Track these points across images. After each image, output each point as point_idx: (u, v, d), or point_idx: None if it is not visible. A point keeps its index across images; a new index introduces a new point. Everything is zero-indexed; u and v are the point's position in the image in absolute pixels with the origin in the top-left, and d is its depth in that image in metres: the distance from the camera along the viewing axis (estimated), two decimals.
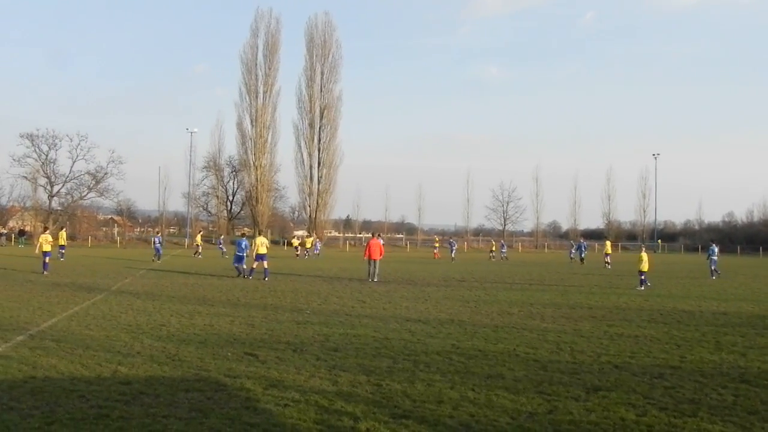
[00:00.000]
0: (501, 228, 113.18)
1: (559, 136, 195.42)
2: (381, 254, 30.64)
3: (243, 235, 36.41)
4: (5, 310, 16.86)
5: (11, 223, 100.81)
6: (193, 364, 10.50)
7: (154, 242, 49.87)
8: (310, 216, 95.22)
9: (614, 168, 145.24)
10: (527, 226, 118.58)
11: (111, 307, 17.87)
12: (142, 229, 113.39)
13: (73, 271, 32.50)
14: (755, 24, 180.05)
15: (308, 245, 60.70)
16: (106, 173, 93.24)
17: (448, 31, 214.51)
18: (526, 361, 11.11)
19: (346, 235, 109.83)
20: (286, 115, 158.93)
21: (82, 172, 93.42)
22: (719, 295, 24.73)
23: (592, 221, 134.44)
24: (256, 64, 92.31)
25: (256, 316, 16.64)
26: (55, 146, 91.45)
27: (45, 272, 30.55)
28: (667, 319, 17.28)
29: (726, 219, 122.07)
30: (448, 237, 64.48)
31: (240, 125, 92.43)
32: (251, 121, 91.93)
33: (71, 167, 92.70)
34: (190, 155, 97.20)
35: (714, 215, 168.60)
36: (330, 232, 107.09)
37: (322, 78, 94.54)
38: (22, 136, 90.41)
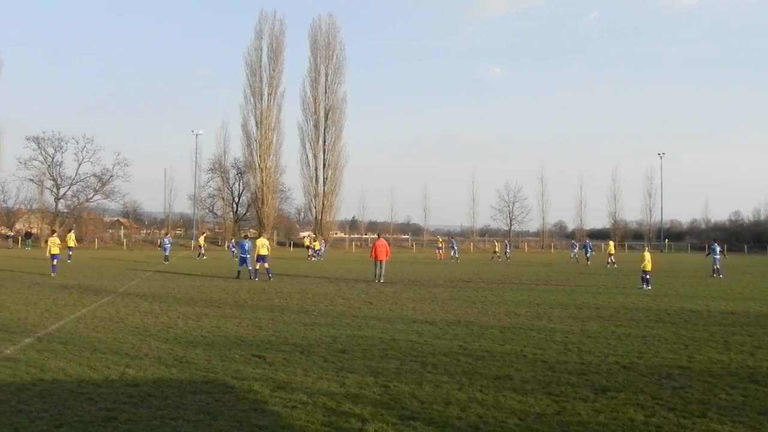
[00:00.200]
0: (507, 228, 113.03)
1: (564, 136, 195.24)
2: (387, 255, 30.64)
3: (245, 237, 36.55)
4: (13, 313, 16.91)
5: (18, 226, 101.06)
6: (200, 366, 10.52)
7: (163, 243, 50.02)
8: (315, 217, 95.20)
9: (620, 167, 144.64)
10: (533, 226, 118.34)
11: (118, 309, 17.91)
12: (149, 231, 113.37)
13: (80, 274, 32.57)
14: (759, 23, 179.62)
15: (317, 246, 60.80)
16: (112, 175, 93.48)
17: (452, 32, 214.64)
18: (534, 362, 11.09)
19: (352, 236, 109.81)
20: (291, 116, 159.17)
21: (88, 175, 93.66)
22: (727, 294, 24.67)
23: (598, 221, 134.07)
24: (260, 66, 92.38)
25: (263, 317, 16.65)
26: (61, 149, 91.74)
27: (53, 274, 30.78)
28: (675, 318, 17.24)
29: (733, 218, 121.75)
30: (450, 237, 64.33)
31: (245, 127, 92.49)
32: (256, 123, 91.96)
33: (77, 170, 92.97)
34: (196, 157, 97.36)
35: (721, 214, 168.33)
36: (336, 233, 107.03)
37: (326, 79, 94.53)
38: (28, 139, 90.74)
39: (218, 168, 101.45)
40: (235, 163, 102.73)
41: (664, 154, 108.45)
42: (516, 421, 7.60)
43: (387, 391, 8.93)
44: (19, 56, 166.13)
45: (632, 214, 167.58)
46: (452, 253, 56.15)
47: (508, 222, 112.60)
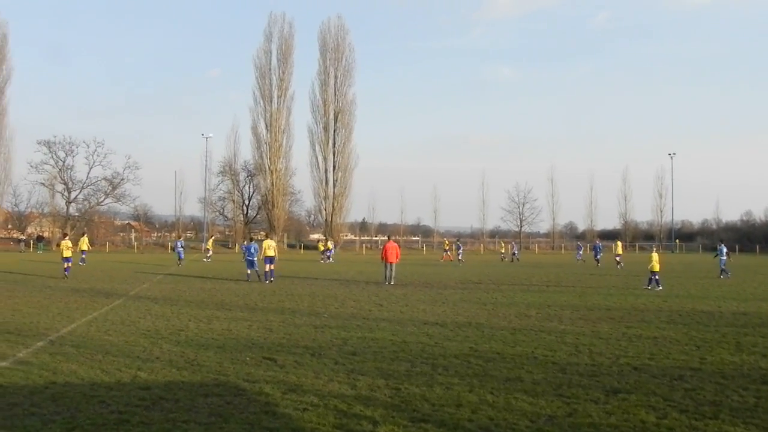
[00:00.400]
0: (517, 229, 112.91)
1: (574, 137, 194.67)
2: (397, 257, 30.65)
3: (251, 239, 36.89)
4: (25, 316, 16.99)
5: (29, 230, 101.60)
6: (212, 368, 10.54)
7: (176, 247, 50.23)
8: (326, 219, 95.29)
9: (630, 168, 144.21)
10: (543, 227, 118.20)
11: (129, 313, 17.97)
12: (159, 234, 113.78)
13: (92, 277, 32.71)
14: None
15: (329, 247, 60.92)
16: (122, 179, 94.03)
17: (461, 34, 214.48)
18: (545, 364, 11.07)
19: (362, 238, 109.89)
20: (301, 119, 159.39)
21: (99, 178, 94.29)
22: (738, 295, 24.56)
23: (609, 221, 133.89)
24: (270, 69, 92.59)
25: (274, 320, 16.68)
26: (71, 153, 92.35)
27: (65, 275, 31.13)
28: (686, 320, 17.18)
29: (744, 218, 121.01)
30: (455, 239, 64.20)
31: (255, 130, 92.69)
32: (266, 126, 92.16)
33: (88, 173, 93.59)
34: (206, 160, 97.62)
35: (732, 214, 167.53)
36: (346, 235, 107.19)
37: (335, 82, 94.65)
38: (39, 143, 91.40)
39: (228, 171, 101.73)
40: (245, 166, 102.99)
41: (674, 154, 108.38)
42: (527, 423, 7.59)
43: (398, 394, 8.94)
44: (29, 60, 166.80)
45: (643, 215, 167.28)
46: (458, 254, 55.88)
47: (519, 223, 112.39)
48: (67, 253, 32.83)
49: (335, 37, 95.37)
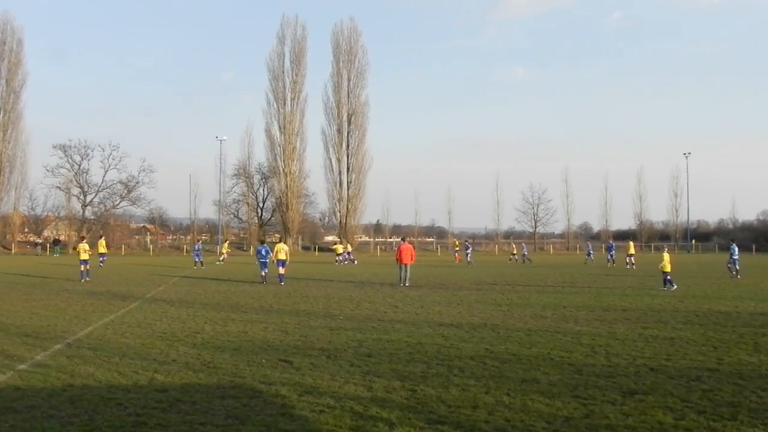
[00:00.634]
0: (532, 230, 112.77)
1: (589, 137, 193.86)
2: (412, 259, 30.63)
3: (262, 242, 37.15)
4: (43, 319, 17.10)
5: (46, 233, 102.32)
6: (228, 371, 10.57)
7: (194, 249, 50.51)
8: (340, 221, 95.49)
9: (645, 167, 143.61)
10: (558, 227, 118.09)
11: (146, 315, 18.05)
12: (175, 237, 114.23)
13: (108, 280, 32.89)
14: None
15: (340, 251, 61.01)
16: (137, 182, 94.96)
17: (475, 34, 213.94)
18: (561, 365, 11.03)
19: (377, 239, 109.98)
20: (314, 121, 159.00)
21: (114, 182, 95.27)
22: (756, 295, 24.40)
23: (624, 222, 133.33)
24: (283, 71, 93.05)
25: (290, 322, 16.70)
26: (87, 156, 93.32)
27: (82, 280, 31.37)
28: (703, 320, 17.07)
29: (761, 217, 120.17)
30: (464, 240, 64.05)
31: (268, 132, 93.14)
32: (280, 128, 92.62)
33: (103, 177, 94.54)
34: (220, 163, 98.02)
35: (748, 213, 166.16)
36: (360, 237, 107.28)
37: (348, 84, 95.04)
38: (55, 147, 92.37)
39: (243, 173, 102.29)
40: (260, 169, 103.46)
41: (689, 153, 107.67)
42: (544, 425, 7.56)
43: (414, 395, 8.93)
44: (44, 64, 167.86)
45: (658, 215, 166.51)
46: (466, 256, 55.51)
47: (533, 224, 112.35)
48: (85, 256, 33.07)
49: (348, 40, 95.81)
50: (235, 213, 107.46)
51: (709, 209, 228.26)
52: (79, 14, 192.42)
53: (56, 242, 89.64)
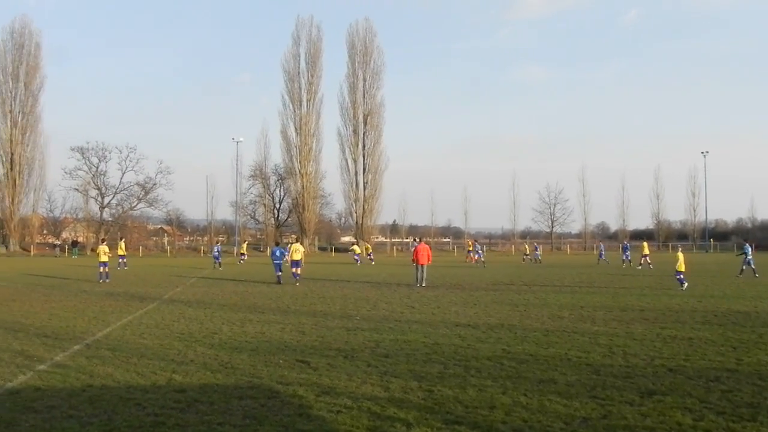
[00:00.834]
0: (548, 230, 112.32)
1: (606, 136, 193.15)
2: (429, 259, 30.60)
3: (277, 243, 37.34)
4: (62, 320, 17.22)
5: (64, 235, 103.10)
6: (245, 371, 10.61)
7: (213, 251, 50.76)
8: (356, 222, 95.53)
9: (662, 167, 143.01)
10: (575, 227, 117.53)
11: (164, 316, 18.14)
12: (192, 239, 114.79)
13: (126, 281, 33.07)
14: None
15: (358, 251, 61.06)
16: (154, 184, 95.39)
17: (491, 34, 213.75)
18: (579, 366, 10.99)
19: (393, 240, 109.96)
20: (330, 122, 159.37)
21: (132, 183, 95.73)
22: None
23: (642, 221, 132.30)
24: (298, 73, 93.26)
25: (307, 323, 16.74)
26: (104, 158, 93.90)
27: (100, 281, 31.65)
28: (722, 320, 16.96)
29: None
30: (475, 241, 63.90)
31: (284, 133, 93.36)
32: (296, 129, 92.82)
33: (121, 178, 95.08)
34: (237, 164, 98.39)
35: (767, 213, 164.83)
36: (377, 238, 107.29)
37: (364, 84, 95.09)
38: (72, 150, 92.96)
39: (259, 174, 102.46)
40: (276, 170, 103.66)
41: (707, 152, 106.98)
42: (561, 426, 7.54)
43: (431, 396, 8.93)
44: (61, 66, 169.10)
45: (676, 214, 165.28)
46: (477, 256, 55.09)
47: (550, 224, 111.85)
48: (104, 258, 33.34)
49: (363, 40, 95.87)
50: (252, 214, 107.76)
51: (727, 208, 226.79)
52: (96, 17, 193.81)
53: (74, 244, 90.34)
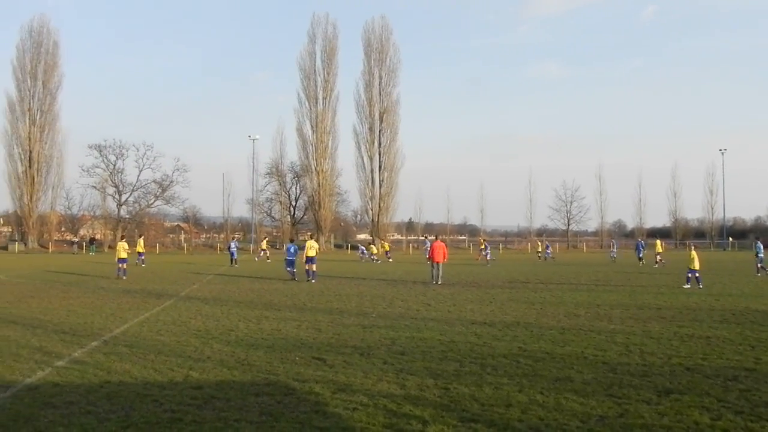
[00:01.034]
0: (565, 228, 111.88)
1: (622, 133, 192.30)
2: (445, 257, 30.57)
3: (291, 240, 37.51)
4: (80, 317, 17.33)
5: (82, 232, 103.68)
6: (262, 368, 10.64)
7: (229, 247, 50.90)
8: (372, 219, 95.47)
9: (679, 164, 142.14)
10: (592, 225, 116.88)
11: (180, 313, 18.22)
12: (208, 236, 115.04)
13: (143, 278, 33.23)
14: None
15: (375, 251, 60.99)
16: (171, 181, 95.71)
17: (507, 31, 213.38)
18: (595, 364, 10.96)
19: (409, 237, 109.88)
20: (346, 119, 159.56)
21: (149, 181, 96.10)
22: None
23: (659, 219, 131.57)
24: (314, 70, 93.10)
25: (323, 320, 16.77)
26: (122, 156, 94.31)
27: (122, 276, 32.01)
28: (740, 319, 16.85)
29: None
30: (484, 239, 63.56)
31: (300, 131, 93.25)
32: (312, 127, 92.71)
33: (138, 176, 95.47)
34: (253, 162, 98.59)
35: None
36: (393, 235, 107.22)
37: (380, 82, 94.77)
38: (90, 147, 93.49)
39: (275, 172, 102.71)
40: (292, 167, 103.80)
41: (725, 149, 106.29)
42: (578, 424, 7.52)
43: (447, 393, 8.93)
44: (79, 64, 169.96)
45: (693, 212, 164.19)
46: (485, 254, 54.71)
47: (566, 222, 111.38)
48: (123, 255, 33.57)
49: (379, 38, 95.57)
50: (268, 211, 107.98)
51: (746, 206, 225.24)
52: (112, 15, 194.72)
53: (92, 241, 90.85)
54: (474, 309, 19.28)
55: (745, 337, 13.86)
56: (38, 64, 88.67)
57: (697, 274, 26.92)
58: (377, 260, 57.28)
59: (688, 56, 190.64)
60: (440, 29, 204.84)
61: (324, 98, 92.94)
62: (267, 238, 72.94)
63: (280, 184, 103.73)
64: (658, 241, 49.58)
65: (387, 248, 65.20)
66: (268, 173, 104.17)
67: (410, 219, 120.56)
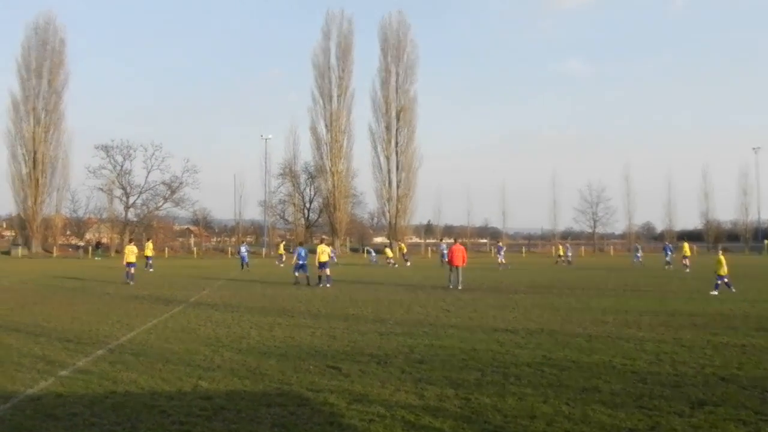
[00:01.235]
0: (590, 230, 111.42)
1: (651, 132, 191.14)
2: (464, 261, 30.48)
3: (301, 244, 37.63)
4: (84, 324, 17.38)
5: (88, 236, 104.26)
6: (274, 377, 10.62)
7: (239, 252, 51.08)
8: (389, 222, 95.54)
9: (711, 164, 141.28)
10: (619, 228, 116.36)
11: (189, 320, 18.25)
12: (219, 239, 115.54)
13: (151, 283, 33.35)
14: None
15: (390, 255, 60.91)
16: (181, 183, 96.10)
17: (530, 26, 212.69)
18: (624, 373, 10.86)
19: (428, 240, 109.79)
20: (361, 118, 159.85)
21: (158, 183, 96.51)
22: None
23: (690, 221, 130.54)
24: (329, 68, 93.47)
25: (338, 327, 16.74)
26: (129, 157, 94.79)
27: (130, 281, 32.14)
28: None
29: None
30: (497, 242, 63.11)
31: (314, 130, 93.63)
32: (326, 126, 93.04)
33: (146, 177, 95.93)
34: (265, 162, 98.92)
35: None
36: (411, 239, 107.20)
37: (397, 79, 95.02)
38: (97, 148, 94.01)
39: (288, 173, 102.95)
40: (306, 168, 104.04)
41: (759, 148, 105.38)
42: None
43: (468, 404, 8.87)
44: (85, 62, 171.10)
45: (726, 214, 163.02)
46: (499, 259, 54.35)
47: (592, 224, 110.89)
48: (131, 258, 33.68)
49: (396, 33, 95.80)
50: (281, 214, 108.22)
51: None
52: (121, 11, 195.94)
53: (98, 245, 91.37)
54: (496, 315, 19.20)
55: None
56: (44, 62, 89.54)
57: (725, 280, 26.71)
58: (394, 264, 57.23)
59: (720, 50, 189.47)
60: (459, 23, 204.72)
61: (339, 96, 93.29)
62: (283, 242, 73.06)
63: (294, 186, 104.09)
64: (686, 244, 49.30)
65: (404, 249, 64.83)
66: (280, 174, 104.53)
67: (429, 221, 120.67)
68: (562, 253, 64.37)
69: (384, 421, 8.05)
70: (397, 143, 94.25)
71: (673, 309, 20.62)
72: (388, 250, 62.66)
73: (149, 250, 47.09)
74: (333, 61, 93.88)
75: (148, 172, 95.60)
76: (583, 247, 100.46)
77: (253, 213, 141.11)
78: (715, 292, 26.13)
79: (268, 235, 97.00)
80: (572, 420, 8.10)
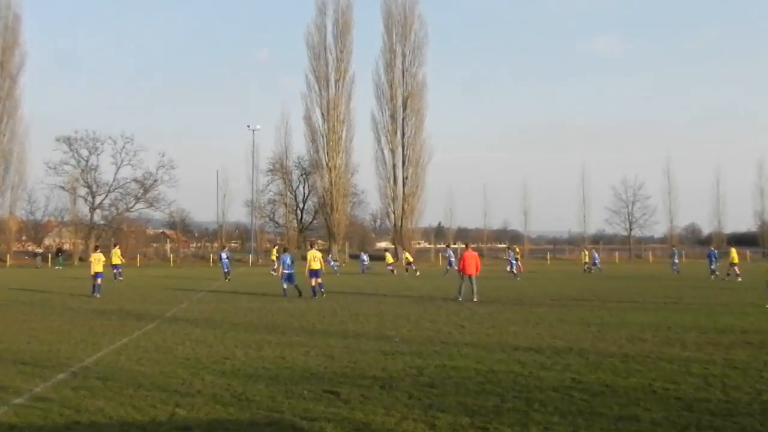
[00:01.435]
0: (626, 234, 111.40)
1: (695, 120, 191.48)
2: (478, 269, 30.41)
3: (285, 250, 37.65)
4: (43, 344, 17.38)
5: (47, 241, 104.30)
6: (263, 404, 10.60)
7: (220, 258, 51.15)
8: (394, 224, 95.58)
9: (767, 155, 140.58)
10: (659, 230, 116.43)
11: (165, 338, 18.25)
12: (199, 245, 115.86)
13: (121, 296, 33.40)
14: None
15: (391, 260, 60.99)
16: (155, 180, 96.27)
17: None
18: (666, 400, 10.83)
19: (438, 245, 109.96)
20: (363, 105, 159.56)
21: (128, 180, 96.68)
22: None
23: (741, 222, 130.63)
24: (325, 48, 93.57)
25: (336, 345, 16.75)
26: (96, 150, 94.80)
27: (97, 294, 32.05)
28: None
29: None
30: (508, 248, 63.17)
31: (308, 119, 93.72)
32: (322, 115, 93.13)
33: (115, 174, 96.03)
34: (253, 157, 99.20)
35: None
36: (419, 243, 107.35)
37: (403, 61, 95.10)
38: (58, 140, 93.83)
39: (279, 169, 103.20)
40: (299, 163, 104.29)
41: None
42: None
43: None
44: (48, 45, 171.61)
45: None
46: (508, 267, 54.22)
47: (627, 226, 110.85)
48: (98, 268, 33.59)
49: (402, 9, 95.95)
50: (271, 215, 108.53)
51: None
52: None
53: (59, 252, 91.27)
54: (517, 332, 19.20)
55: None
56: None
57: None
58: (395, 272, 57.29)
59: None
60: None
61: (337, 81, 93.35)
62: (276, 246, 73.09)
63: (285, 183, 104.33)
64: (733, 250, 49.23)
65: (410, 260, 64.11)
66: (270, 170, 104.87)
67: (440, 223, 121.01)
68: (587, 260, 64.33)
69: None
70: (403, 134, 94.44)
71: (723, 325, 20.60)
72: (388, 255, 62.63)
73: (117, 257, 47.13)
74: (330, 40, 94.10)
75: (118, 168, 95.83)
76: (617, 252, 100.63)
77: (238, 215, 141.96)
78: None
79: (255, 239, 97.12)
80: None
